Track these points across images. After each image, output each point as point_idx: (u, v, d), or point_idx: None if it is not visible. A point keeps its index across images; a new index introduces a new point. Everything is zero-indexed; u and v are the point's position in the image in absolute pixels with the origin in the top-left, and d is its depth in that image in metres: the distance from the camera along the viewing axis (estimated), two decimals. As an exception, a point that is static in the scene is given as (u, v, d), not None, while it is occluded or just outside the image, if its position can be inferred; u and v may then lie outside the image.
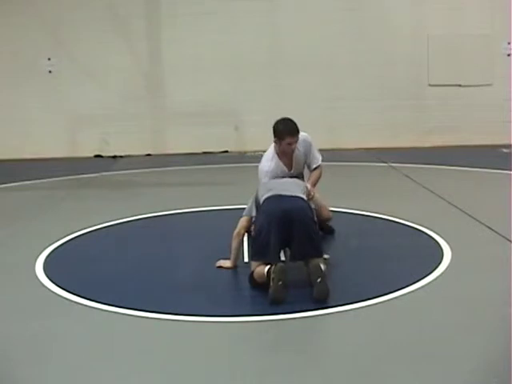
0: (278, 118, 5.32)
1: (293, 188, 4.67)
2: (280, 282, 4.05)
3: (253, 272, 4.38)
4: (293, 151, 5.27)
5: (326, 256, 4.63)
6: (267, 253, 4.30)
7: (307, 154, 5.47)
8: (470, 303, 4.15)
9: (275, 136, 5.20)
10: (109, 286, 4.65)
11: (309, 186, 5.08)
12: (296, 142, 5.20)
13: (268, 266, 4.20)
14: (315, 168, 5.56)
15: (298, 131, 5.16)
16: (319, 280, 4.08)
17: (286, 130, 5.13)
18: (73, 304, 4.28)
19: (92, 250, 5.71)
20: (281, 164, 5.33)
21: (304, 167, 5.58)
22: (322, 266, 4.23)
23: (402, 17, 12.59)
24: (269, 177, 5.20)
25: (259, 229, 4.42)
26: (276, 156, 5.30)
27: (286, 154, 5.27)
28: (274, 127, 5.22)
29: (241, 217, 4.93)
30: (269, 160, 5.31)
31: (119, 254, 5.54)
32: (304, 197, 4.62)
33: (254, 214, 4.82)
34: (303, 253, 4.32)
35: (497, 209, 6.71)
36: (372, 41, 12.49)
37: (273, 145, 5.37)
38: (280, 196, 4.52)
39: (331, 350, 3.63)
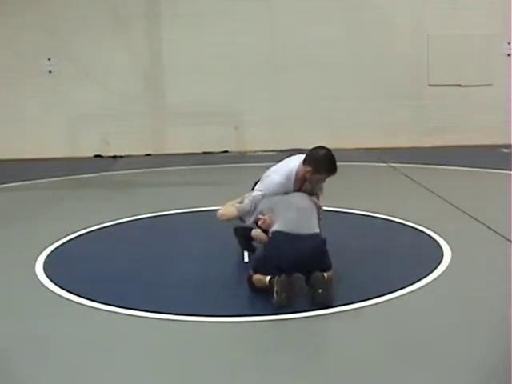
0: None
1: (307, 218, 4.42)
2: (284, 294, 4.03)
3: (251, 277, 4.35)
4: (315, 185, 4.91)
5: None
6: (273, 272, 4.20)
7: (315, 186, 4.99)
8: (469, 303, 4.15)
9: (311, 164, 4.67)
10: (109, 286, 4.65)
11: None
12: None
13: (269, 277, 4.15)
14: (315, 194, 5.00)
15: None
16: (321, 290, 4.06)
17: (328, 168, 4.67)
18: (73, 304, 4.28)
19: (92, 250, 5.70)
20: (292, 185, 4.81)
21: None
22: (327, 276, 4.21)
23: (402, 17, 12.58)
24: (276, 190, 4.73)
25: (268, 259, 4.29)
26: (293, 176, 4.77)
27: (303, 182, 4.80)
28: (313, 155, 4.71)
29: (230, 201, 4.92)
30: (283, 176, 4.77)
31: (119, 254, 5.54)
32: (317, 229, 4.40)
33: (248, 222, 4.75)
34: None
35: (497, 209, 6.71)
36: (372, 41, 12.49)
37: (295, 162, 4.84)
38: (293, 237, 4.27)
39: (331, 350, 3.63)
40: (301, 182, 4.80)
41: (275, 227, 4.41)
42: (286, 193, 4.73)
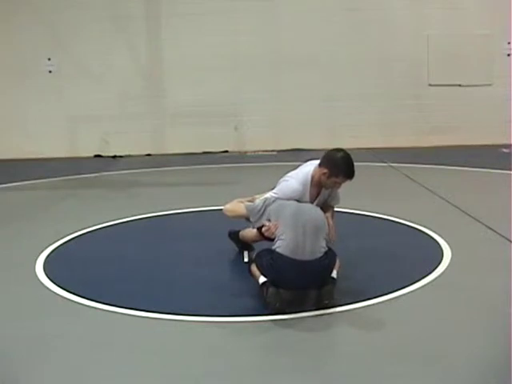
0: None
1: (314, 242, 4.19)
2: (277, 305, 4.01)
3: (250, 266, 4.37)
4: (331, 189, 4.71)
5: None
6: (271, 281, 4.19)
7: (331, 193, 4.81)
8: (470, 303, 4.16)
9: (327, 166, 4.46)
10: (109, 286, 4.65)
11: (331, 222, 4.59)
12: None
13: (263, 280, 4.13)
14: (330, 206, 4.85)
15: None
16: (327, 302, 4.05)
17: (347, 172, 4.44)
18: (73, 304, 4.28)
19: (92, 250, 5.71)
20: (308, 193, 4.61)
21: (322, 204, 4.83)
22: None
23: (402, 17, 12.58)
24: (291, 196, 4.53)
25: (268, 276, 4.18)
26: (309, 183, 4.58)
27: (320, 187, 4.63)
28: (330, 157, 4.50)
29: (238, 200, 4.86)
30: (300, 182, 4.56)
31: (119, 254, 5.54)
32: (322, 251, 4.20)
33: (256, 224, 4.61)
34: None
35: (497, 209, 6.71)
36: (372, 41, 12.50)
37: (310, 166, 4.66)
38: (296, 262, 4.11)
39: (331, 350, 3.63)
40: (317, 187, 4.61)
41: (279, 245, 4.20)
42: (299, 201, 4.51)
